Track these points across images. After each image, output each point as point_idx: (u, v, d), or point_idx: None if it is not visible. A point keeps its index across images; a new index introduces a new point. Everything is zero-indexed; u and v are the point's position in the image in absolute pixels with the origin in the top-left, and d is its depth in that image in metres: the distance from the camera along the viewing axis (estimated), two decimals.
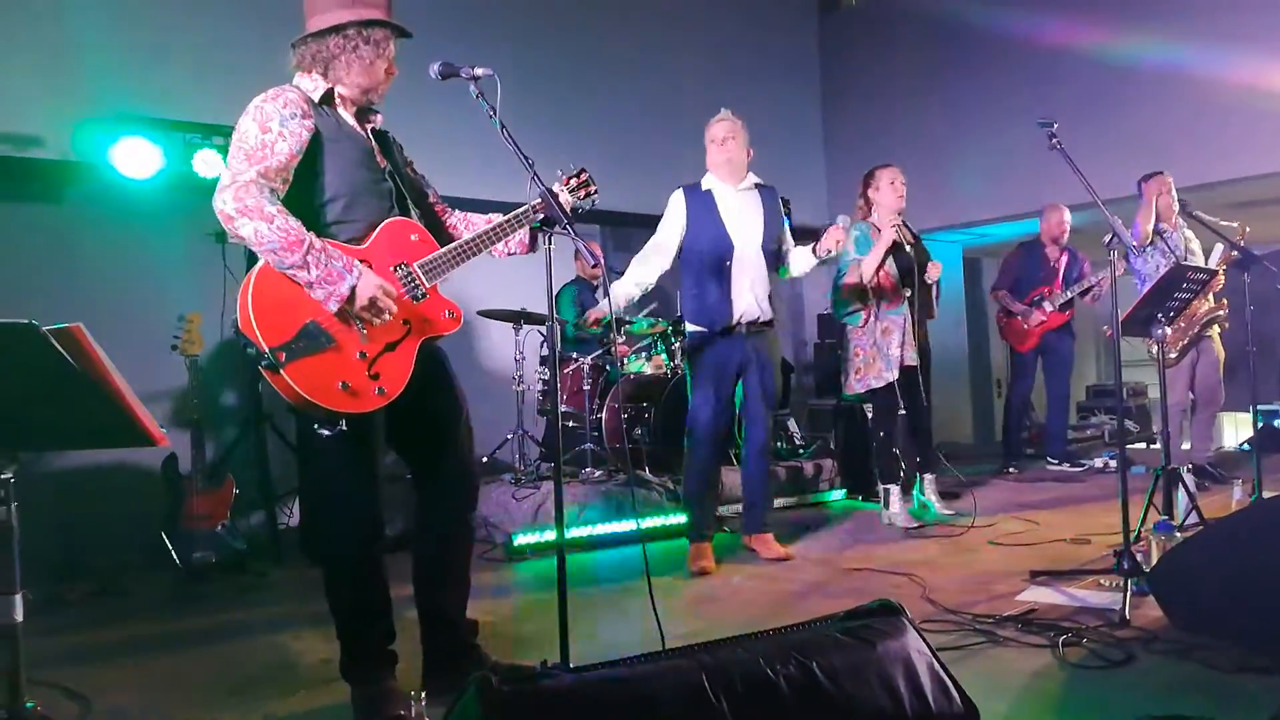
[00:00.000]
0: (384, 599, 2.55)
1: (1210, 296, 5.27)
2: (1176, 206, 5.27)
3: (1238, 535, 2.82)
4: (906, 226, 4.90)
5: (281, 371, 2.20)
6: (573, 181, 2.75)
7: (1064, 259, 6.58)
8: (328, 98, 2.48)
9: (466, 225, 2.78)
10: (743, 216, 4.16)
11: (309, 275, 2.24)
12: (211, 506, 4.22)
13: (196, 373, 4.30)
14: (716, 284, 4.11)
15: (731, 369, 4.15)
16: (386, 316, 2.34)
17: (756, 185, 4.25)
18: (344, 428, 2.33)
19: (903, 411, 5.21)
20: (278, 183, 2.32)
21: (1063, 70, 7.16)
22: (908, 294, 4.78)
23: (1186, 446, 5.55)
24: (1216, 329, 5.40)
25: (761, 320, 4.16)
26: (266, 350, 2.19)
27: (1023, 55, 7.41)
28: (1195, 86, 6.50)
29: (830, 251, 4.03)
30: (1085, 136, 5.85)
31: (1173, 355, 5.21)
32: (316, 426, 2.36)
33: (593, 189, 2.77)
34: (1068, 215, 6.50)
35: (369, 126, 2.58)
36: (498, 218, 2.65)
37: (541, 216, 2.54)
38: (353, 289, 2.27)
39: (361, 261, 2.36)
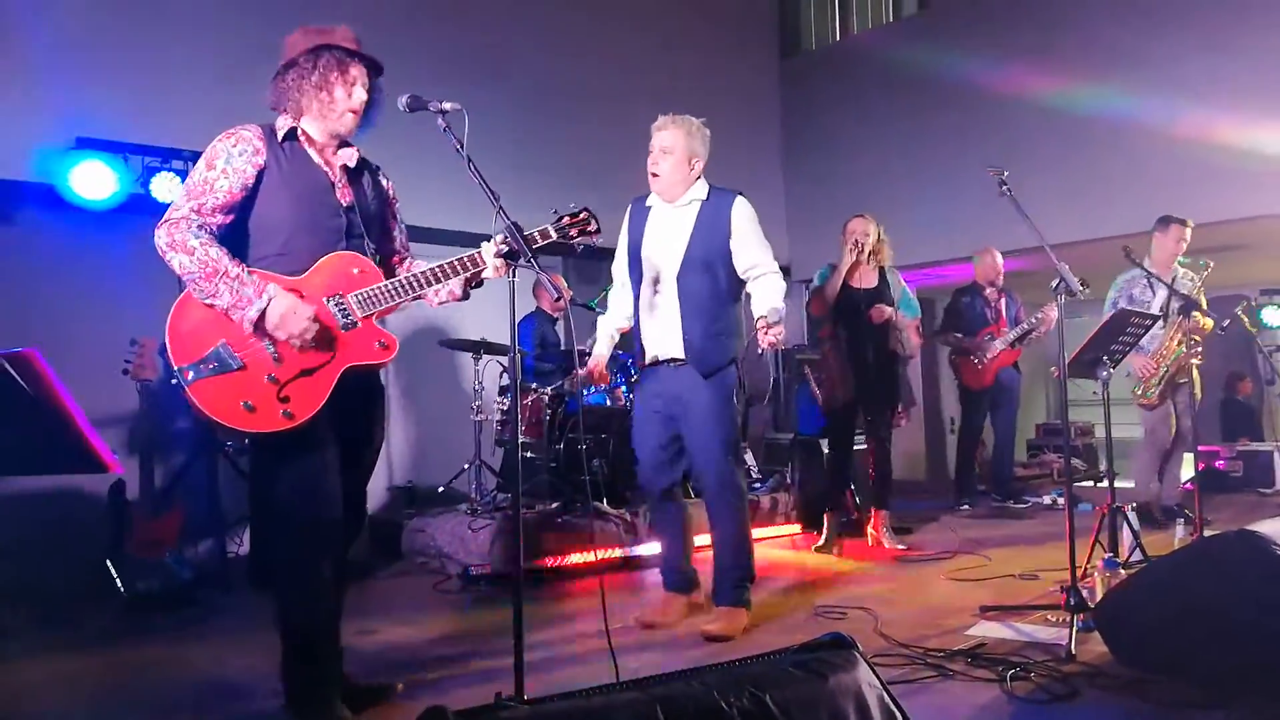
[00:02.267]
0: (337, 613, 2.59)
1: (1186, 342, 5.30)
2: (1183, 250, 5.38)
3: (1180, 573, 2.89)
4: (884, 275, 5.19)
5: (186, 389, 2.40)
6: (566, 220, 2.73)
7: (1003, 300, 6.78)
8: (291, 134, 2.56)
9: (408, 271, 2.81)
10: (663, 238, 3.59)
11: (223, 301, 2.38)
12: (159, 534, 4.14)
13: (148, 398, 4.24)
14: (636, 314, 3.67)
15: (659, 408, 3.60)
16: (303, 338, 2.41)
17: (704, 198, 3.61)
18: (245, 443, 2.44)
19: (861, 446, 5.34)
20: (216, 218, 2.45)
21: (1015, 117, 7.39)
22: (844, 334, 5.06)
23: (1154, 486, 5.59)
24: (1196, 373, 5.45)
25: (676, 357, 3.54)
26: (175, 369, 2.40)
27: (977, 102, 7.63)
28: (1144, 137, 6.74)
29: (765, 349, 3.40)
30: (1035, 182, 6.02)
31: (1154, 397, 5.33)
32: (228, 445, 2.46)
33: (591, 228, 2.74)
34: (1000, 258, 6.72)
35: (340, 163, 2.63)
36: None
37: (477, 269, 2.60)
38: (261, 312, 2.38)
39: (292, 291, 2.44)
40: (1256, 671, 2.55)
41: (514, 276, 2.47)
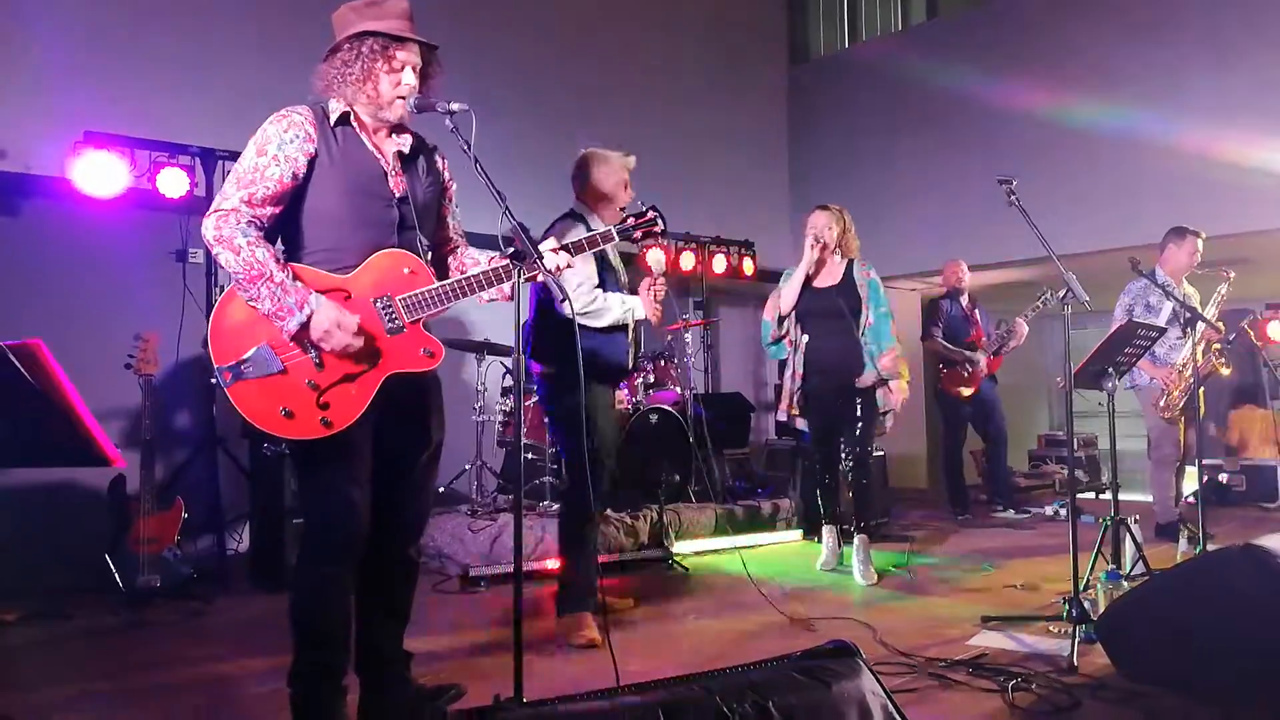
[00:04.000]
0: (345, 623, 2.51)
1: (1213, 353, 5.21)
2: (1196, 263, 5.35)
3: (1183, 586, 2.89)
4: (850, 269, 4.71)
5: (225, 390, 2.33)
6: (631, 220, 2.72)
7: (976, 310, 6.82)
8: (344, 119, 2.46)
9: (459, 268, 2.73)
10: (611, 255, 3.81)
11: (264, 307, 2.30)
12: (159, 529, 4.13)
13: (151, 393, 4.23)
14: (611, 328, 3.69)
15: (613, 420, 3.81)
16: (346, 351, 2.33)
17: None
18: (285, 450, 2.36)
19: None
20: (266, 209, 2.36)
21: (1021, 130, 7.39)
22: (805, 339, 4.63)
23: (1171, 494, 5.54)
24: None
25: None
26: (215, 369, 2.34)
27: (983, 112, 7.64)
28: (1148, 151, 6.74)
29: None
30: (1040, 193, 6.00)
31: (1177, 412, 5.29)
32: (265, 446, 2.37)
33: (657, 228, 2.72)
34: (964, 267, 6.77)
35: (394, 149, 2.54)
36: (495, 259, 2.58)
37: (533, 273, 2.46)
38: (302, 324, 2.29)
39: (339, 291, 2.37)
40: (1259, 686, 2.53)
41: (520, 278, 2.44)
